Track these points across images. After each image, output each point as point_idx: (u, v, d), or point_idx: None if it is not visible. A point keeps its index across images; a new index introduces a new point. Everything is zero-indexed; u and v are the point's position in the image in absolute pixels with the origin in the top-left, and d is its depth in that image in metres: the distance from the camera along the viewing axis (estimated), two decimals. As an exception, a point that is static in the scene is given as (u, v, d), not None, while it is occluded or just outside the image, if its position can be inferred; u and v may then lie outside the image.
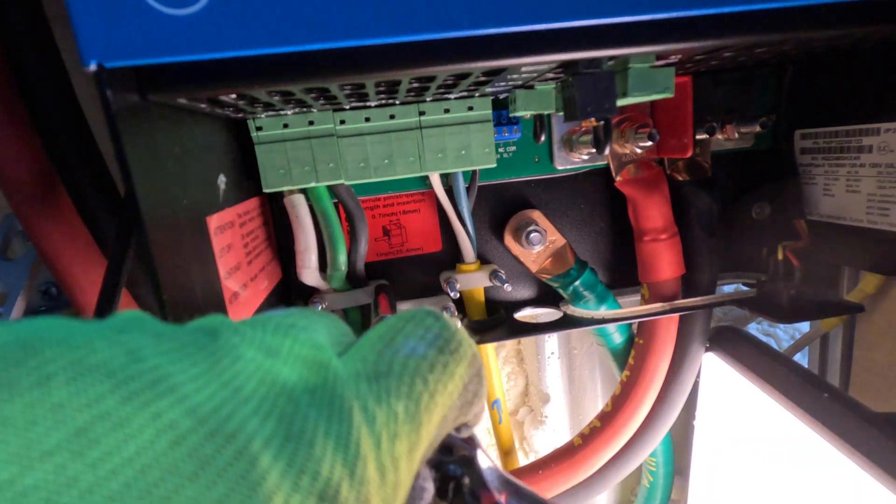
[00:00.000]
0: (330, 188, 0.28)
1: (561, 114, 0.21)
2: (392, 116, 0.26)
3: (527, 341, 0.56)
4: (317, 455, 0.08)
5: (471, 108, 0.26)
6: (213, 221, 0.20)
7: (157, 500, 0.07)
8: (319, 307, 0.30)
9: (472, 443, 0.13)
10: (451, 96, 0.25)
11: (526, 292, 0.35)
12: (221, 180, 0.22)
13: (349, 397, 0.09)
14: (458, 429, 0.13)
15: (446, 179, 0.30)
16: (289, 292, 0.32)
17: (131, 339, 0.08)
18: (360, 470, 0.09)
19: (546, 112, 0.26)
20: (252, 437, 0.08)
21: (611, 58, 0.18)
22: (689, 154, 0.28)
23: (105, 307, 0.17)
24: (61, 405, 0.07)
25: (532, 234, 0.32)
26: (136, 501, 0.07)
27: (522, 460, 0.50)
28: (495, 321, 0.32)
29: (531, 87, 0.24)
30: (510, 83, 0.23)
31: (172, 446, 0.07)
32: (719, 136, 0.29)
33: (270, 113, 0.24)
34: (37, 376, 0.07)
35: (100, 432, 0.07)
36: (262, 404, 0.08)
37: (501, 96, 0.28)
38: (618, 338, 0.36)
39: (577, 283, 0.32)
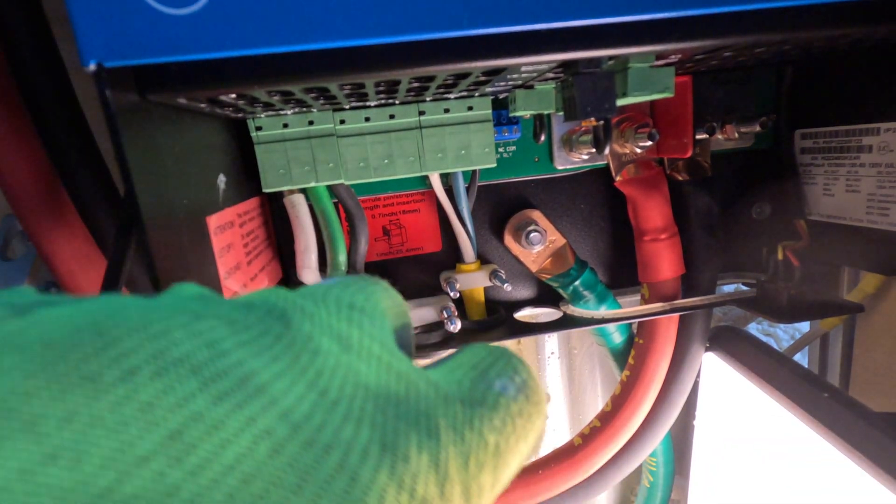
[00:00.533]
0: (330, 188, 0.28)
1: (561, 113, 0.21)
2: (392, 116, 0.26)
3: (527, 341, 0.56)
4: (412, 470, 0.08)
5: (471, 108, 0.26)
6: (213, 221, 0.20)
7: None
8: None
9: None
10: (451, 96, 0.25)
11: (526, 292, 0.35)
12: (221, 180, 0.22)
13: (436, 415, 0.09)
14: None
15: (446, 179, 0.30)
16: (289, 292, 0.32)
17: (208, 329, 0.08)
18: (448, 491, 0.08)
19: (546, 112, 0.26)
20: (350, 448, 0.07)
21: (611, 57, 0.18)
22: (689, 154, 0.28)
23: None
24: (151, 404, 0.06)
25: (532, 234, 0.32)
26: None
27: (522, 460, 0.50)
28: (495, 321, 0.32)
29: (531, 86, 0.24)
30: (510, 83, 0.23)
31: (272, 455, 0.07)
32: (719, 136, 0.29)
33: (270, 113, 0.24)
34: (119, 370, 0.06)
35: (195, 436, 0.06)
36: (350, 409, 0.08)
37: (501, 96, 0.28)
38: (618, 338, 0.36)
39: (577, 282, 0.32)
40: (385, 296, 0.11)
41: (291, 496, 0.06)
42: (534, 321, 0.33)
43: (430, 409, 0.09)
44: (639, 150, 0.30)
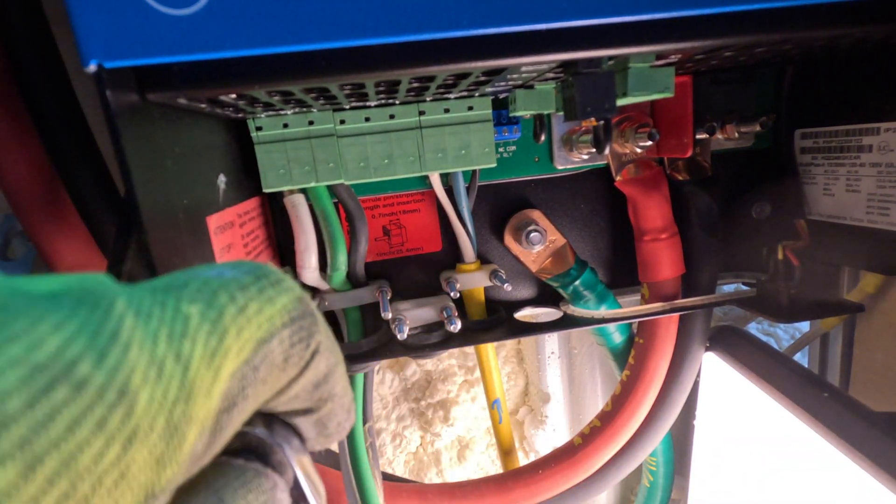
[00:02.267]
0: (330, 188, 0.28)
1: (561, 113, 0.21)
2: (392, 116, 0.26)
3: (527, 341, 0.56)
4: (41, 332, 0.07)
5: (471, 108, 0.26)
6: (213, 221, 0.20)
7: None
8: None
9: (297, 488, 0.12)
10: (451, 96, 0.25)
11: (526, 292, 0.35)
12: (221, 180, 0.22)
13: (112, 296, 0.08)
14: (288, 434, 0.12)
15: (446, 179, 0.30)
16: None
17: None
18: (113, 354, 0.08)
19: (546, 112, 0.26)
20: None
21: (611, 57, 0.18)
22: (689, 154, 0.28)
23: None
24: None
25: (532, 234, 0.32)
26: None
27: (522, 460, 0.50)
28: (495, 321, 0.32)
29: (531, 86, 0.24)
30: (510, 83, 0.23)
31: None
32: (719, 136, 0.29)
33: (270, 113, 0.24)
34: None
35: None
36: None
37: (501, 96, 0.28)
38: (618, 337, 0.36)
39: (577, 282, 0.32)
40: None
41: None
42: (534, 321, 0.33)
43: (103, 292, 0.08)
44: (639, 150, 0.30)
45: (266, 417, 0.12)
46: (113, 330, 0.08)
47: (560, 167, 0.31)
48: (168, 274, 0.10)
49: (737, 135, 0.28)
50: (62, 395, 0.07)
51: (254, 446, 0.11)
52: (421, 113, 0.26)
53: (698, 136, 0.28)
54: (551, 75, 0.21)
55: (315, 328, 0.11)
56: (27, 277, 0.08)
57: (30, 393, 0.07)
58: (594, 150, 0.30)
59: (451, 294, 0.30)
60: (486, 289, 0.33)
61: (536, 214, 0.33)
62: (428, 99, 0.26)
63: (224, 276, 0.10)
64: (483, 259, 0.33)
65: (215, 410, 0.09)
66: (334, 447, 0.32)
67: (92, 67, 0.13)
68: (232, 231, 0.23)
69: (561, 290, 0.33)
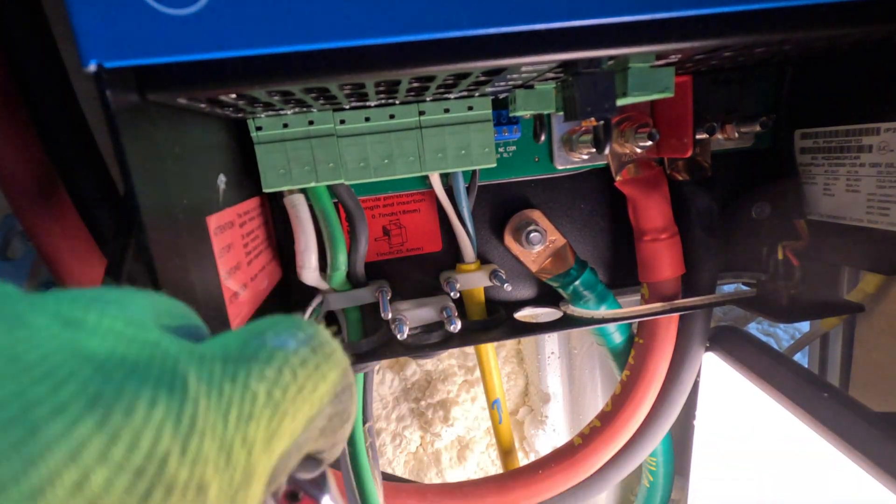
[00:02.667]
0: (330, 188, 0.28)
1: (561, 113, 0.21)
2: (392, 116, 0.26)
3: (527, 341, 0.56)
4: (136, 424, 0.07)
5: (471, 108, 0.26)
6: (213, 221, 0.20)
7: None
8: (310, 309, 0.30)
9: (320, 485, 0.12)
10: (451, 96, 0.25)
11: (526, 292, 0.35)
12: (221, 180, 0.22)
13: (185, 371, 0.08)
14: (307, 464, 0.12)
15: (446, 179, 0.30)
16: (289, 292, 0.32)
17: None
18: (194, 445, 0.08)
19: (546, 112, 0.26)
20: (33, 405, 0.07)
21: (610, 57, 0.18)
22: (689, 154, 0.28)
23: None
24: None
25: (532, 234, 0.32)
26: None
27: (522, 460, 0.50)
28: (495, 321, 0.32)
29: (531, 86, 0.24)
30: (510, 83, 0.23)
31: None
32: (719, 136, 0.29)
33: (270, 113, 0.24)
34: None
35: None
36: (51, 373, 0.07)
37: (501, 96, 0.28)
38: (618, 337, 0.36)
39: (577, 282, 0.32)
40: (152, 298, 0.11)
41: None
42: (534, 321, 0.33)
43: (174, 366, 0.08)
44: (639, 150, 0.30)
45: None
46: (191, 415, 0.08)
47: (560, 167, 0.31)
48: (237, 333, 0.10)
49: (737, 135, 0.28)
50: (158, 499, 0.07)
51: None
52: (421, 113, 0.26)
53: (698, 136, 0.28)
54: (551, 75, 0.21)
55: (351, 401, 0.12)
56: (70, 314, 0.08)
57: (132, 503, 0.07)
58: (594, 150, 0.30)
59: (451, 294, 0.30)
60: (486, 289, 0.33)
61: (536, 214, 0.33)
62: (428, 99, 0.26)
63: (287, 347, 0.10)
64: (483, 259, 0.33)
65: (263, 490, 0.09)
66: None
67: (92, 67, 0.13)
68: (232, 231, 0.23)
69: (561, 290, 0.33)
